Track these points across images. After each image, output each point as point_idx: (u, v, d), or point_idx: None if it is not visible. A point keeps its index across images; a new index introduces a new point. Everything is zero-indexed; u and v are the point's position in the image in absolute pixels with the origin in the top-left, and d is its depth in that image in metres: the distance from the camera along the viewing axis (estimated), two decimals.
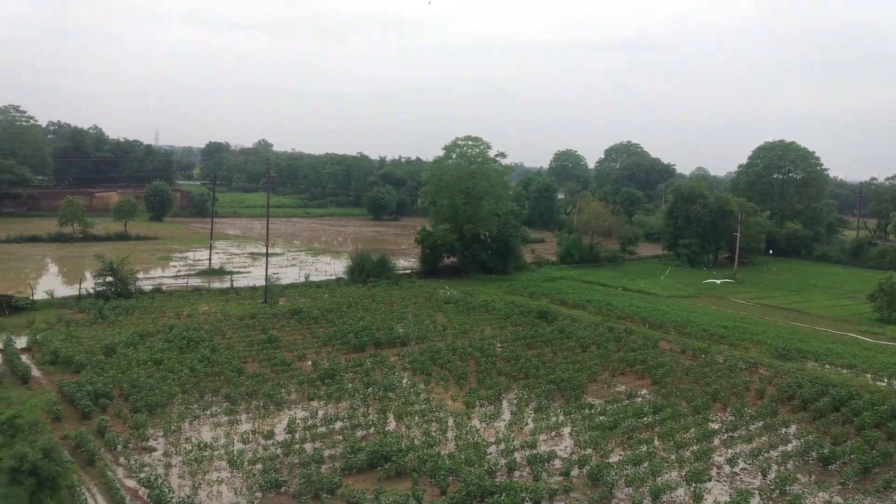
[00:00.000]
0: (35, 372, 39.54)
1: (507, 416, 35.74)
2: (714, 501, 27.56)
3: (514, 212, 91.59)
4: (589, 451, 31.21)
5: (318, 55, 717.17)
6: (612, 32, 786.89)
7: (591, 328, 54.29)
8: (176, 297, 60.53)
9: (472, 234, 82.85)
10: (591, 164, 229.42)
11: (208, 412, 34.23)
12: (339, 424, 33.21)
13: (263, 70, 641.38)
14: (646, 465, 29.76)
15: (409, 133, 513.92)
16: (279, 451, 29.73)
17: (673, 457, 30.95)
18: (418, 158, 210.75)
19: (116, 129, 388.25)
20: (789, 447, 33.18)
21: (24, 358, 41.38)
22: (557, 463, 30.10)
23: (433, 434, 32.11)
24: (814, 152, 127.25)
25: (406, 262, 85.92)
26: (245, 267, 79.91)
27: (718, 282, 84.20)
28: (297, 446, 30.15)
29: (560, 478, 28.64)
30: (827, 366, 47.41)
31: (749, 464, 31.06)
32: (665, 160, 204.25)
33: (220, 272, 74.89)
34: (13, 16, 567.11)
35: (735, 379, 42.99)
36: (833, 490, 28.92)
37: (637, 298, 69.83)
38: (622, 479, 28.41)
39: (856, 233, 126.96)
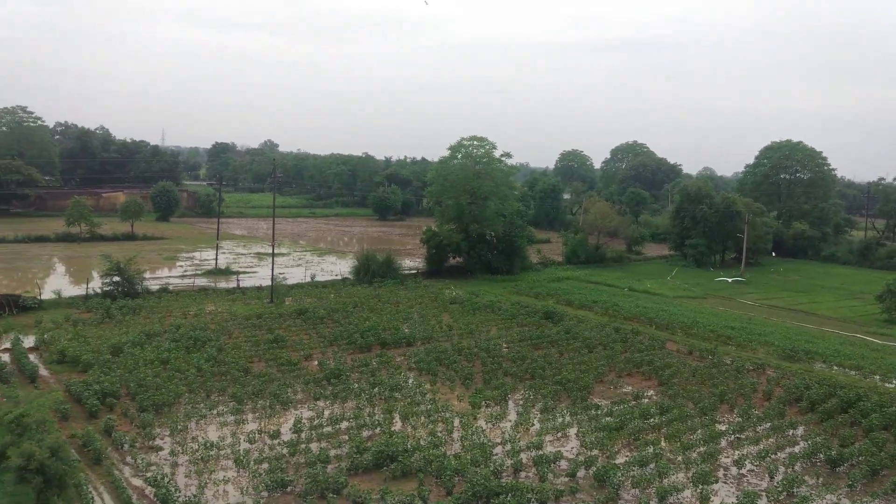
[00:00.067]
0: (43, 371, 39.67)
1: (512, 416, 35.68)
2: (721, 503, 27.47)
3: (520, 212, 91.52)
4: (595, 452, 31.14)
5: (318, 55, 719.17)
6: (612, 32, 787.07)
7: (598, 329, 54.19)
8: (182, 297, 60.66)
9: (477, 235, 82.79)
10: (597, 165, 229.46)
11: (215, 412, 34.27)
12: (344, 424, 33.22)
13: (268, 71, 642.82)
14: (652, 466, 29.67)
15: (409, 133, 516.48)
16: (285, 450, 29.74)
17: (680, 458, 30.84)
18: (423, 158, 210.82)
19: (123, 130, 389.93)
20: (797, 449, 33.04)
21: (31, 357, 41.51)
22: (563, 464, 30.04)
23: (439, 434, 32.08)
24: (821, 152, 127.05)
25: (411, 263, 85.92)
26: (251, 267, 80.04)
27: (730, 280, 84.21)
28: (303, 446, 30.16)
29: (566, 479, 28.58)
30: (835, 367, 47.23)
31: (756, 465, 30.93)
32: (669, 160, 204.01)
33: (226, 272, 75.05)
34: (17, 16, 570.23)
35: (742, 380, 42.84)
36: (841, 492, 28.77)
37: (643, 299, 69.69)
38: (629, 480, 28.33)
39: (864, 233, 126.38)
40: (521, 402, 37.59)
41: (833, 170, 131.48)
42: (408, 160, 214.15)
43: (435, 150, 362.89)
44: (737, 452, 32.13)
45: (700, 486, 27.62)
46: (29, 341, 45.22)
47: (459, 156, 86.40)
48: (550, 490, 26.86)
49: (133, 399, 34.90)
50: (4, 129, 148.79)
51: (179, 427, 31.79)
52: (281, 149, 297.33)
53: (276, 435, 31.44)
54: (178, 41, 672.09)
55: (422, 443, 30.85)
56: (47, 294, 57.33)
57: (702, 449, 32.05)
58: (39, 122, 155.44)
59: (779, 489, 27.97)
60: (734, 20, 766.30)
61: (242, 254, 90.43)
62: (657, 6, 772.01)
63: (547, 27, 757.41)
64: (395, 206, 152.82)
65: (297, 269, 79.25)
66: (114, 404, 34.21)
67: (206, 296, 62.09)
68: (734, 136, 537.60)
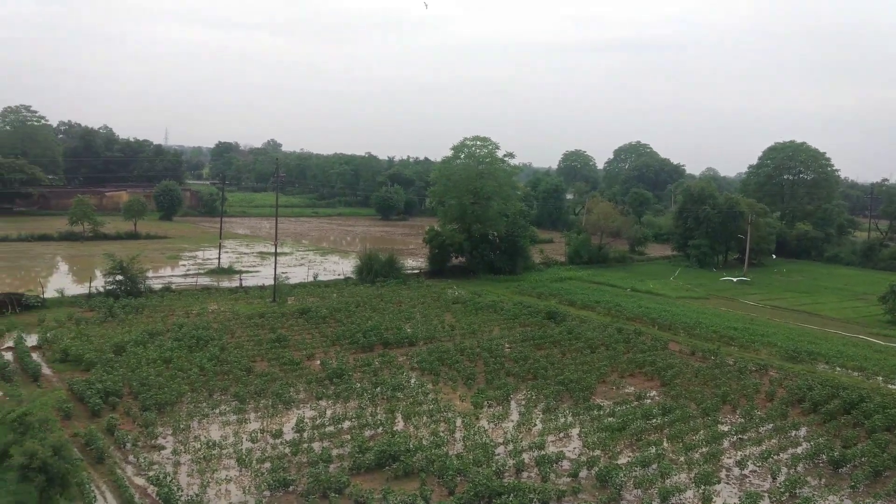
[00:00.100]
0: (45, 370, 39.73)
1: (515, 416, 35.67)
2: None
3: (523, 212, 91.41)
4: (597, 452, 31.12)
5: (318, 55, 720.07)
6: (612, 32, 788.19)
7: (600, 329, 54.15)
8: (185, 296, 60.72)
9: (480, 235, 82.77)
10: (600, 165, 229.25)
11: (217, 411, 34.30)
12: (347, 424, 33.22)
13: (270, 71, 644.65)
14: (655, 466, 29.64)
15: (409, 133, 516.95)
16: (287, 450, 29.75)
17: (682, 459, 30.81)
18: (426, 158, 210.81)
19: (126, 130, 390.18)
20: (799, 450, 32.99)
21: (34, 356, 41.59)
22: (566, 464, 30.02)
23: (441, 434, 32.08)
24: (824, 153, 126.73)
25: (414, 262, 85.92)
26: (254, 266, 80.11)
27: (735, 280, 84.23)
28: (305, 445, 30.18)
29: (568, 479, 28.56)
30: (838, 368, 47.15)
31: (759, 466, 30.89)
32: (672, 161, 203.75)
33: (229, 271, 75.10)
34: (20, 16, 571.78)
35: (745, 381, 42.78)
36: (843, 493, 28.74)
37: (646, 299, 69.63)
38: (631, 480, 28.31)
39: (867, 234, 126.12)
40: (523, 403, 37.58)
41: (836, 170, 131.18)
42: (411, 160, 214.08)
43: (435, 150, 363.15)
44: (739, 453, 32.08)
45: (702, 487, 27.58)
46: (32, 340, 45.32)
47: (462, 156, 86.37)
48: (553, 490, 26.85)
49: (135, 398, 34.94)
50: (8, 128, 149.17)
51: (182, 426, 31.82)
52: (284, 148, 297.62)
53: (278, 434, 31.46)
54: (181, 41, 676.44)
55: (424, 442, 30.85)
56: (50, 293, 57.41)
57: (704, 450, 32.02)
58: (43, 121, 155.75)
59: (781, 490, 27.93)
60: (734, 20, 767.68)
61: (245, 253, 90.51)
62: (657, 6, 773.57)
63: (547, 27, 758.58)
64: (397, 206, 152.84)
65: (299, 268, 79.29)
66: (116, 403, 34.25)
67: (209, 295, 62.16)
68: (734, 137, 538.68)
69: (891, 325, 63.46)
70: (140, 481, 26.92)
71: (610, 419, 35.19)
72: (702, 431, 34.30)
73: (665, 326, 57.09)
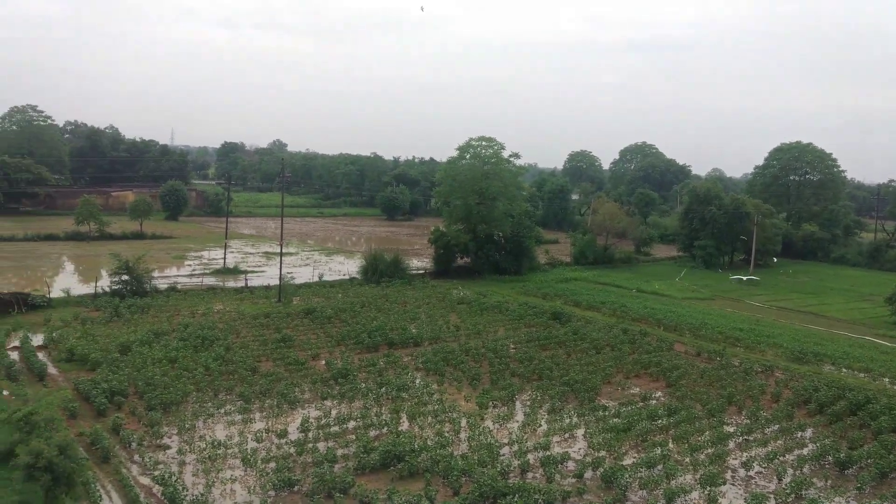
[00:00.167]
0: (51, 369, 39.86)
1: (520, 417, 35.64)
2: None
3: (528, 212, 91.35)
4: (603, 453, 31.07)
5: (318, 55, 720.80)
6: (612, 33, 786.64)
7: (606, 330, 54.06)
8: (191, 296, 60.82)
9: (485, 235, 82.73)
10: (606, 165, 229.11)
11: (222, 411, 34.35)
12: (352, 424, 33.23)
13: (271, 71, 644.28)
14: (660, 467, 29.59)
15: (409, 133, 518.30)
16: (292, 449, 29.78)
17: (687, 460, 30.74)
18: (432, 159, 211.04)
19: (132, 130, 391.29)
20: (805, 451, 32.89)
21: (40, 355, 41.74)
22: (571, 465, 29.98)
23: (446, 434, 32.06)
24: (830, 154, 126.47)
25: (419, 263, 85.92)
26: (259, 266, 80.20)
27: (745, 278, 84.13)
28: (310, 445, 30.20)
29: (573, 480, 28.52)
30: (844, 369, 47.00)
31: (764, 467, 30.79)
32: (678, 161, 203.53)
33: (234, 271, 75.23)
34: (26, 16, 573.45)
35: (751, 382, 42.67)
36: (849, 495, 28.64)
37: (652, 300, 69.50)
38: (636, 481, 28.26)
39: (873, 235, 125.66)
40: (528, 403, 37.53)
41: (843, 171, 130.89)
42: (416, 160, 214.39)
43: (435, 150, 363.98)
44: (745, 454, 31.98)
45: (708, 488, 27.52)
46: (37, 339, 45.45)
47: (468, 156, 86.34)
48: (558, 491, 26.81)
49: (141, 398, 35.01)
50: (15, 127, 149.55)
51: (187, 426, 31.88)
52: (290, 148, 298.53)
53: (283, 434, 31.48)
54: (181, 41, 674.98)
55: (429, 443, 30.84)
56: (56, 292, 57.54)
57: (710, 451, 31.94)
58: (49, 121, 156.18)
59: (787, 491, 27.85)
60: (734, 20, 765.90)
61: (251, 253, 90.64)
62: (657, 6, 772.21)
63: (547, 27, 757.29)
64: (403, 207, 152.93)
65: (305, 268, 79.39)
66: (122, 403, 34.33)
67: (215, 295, 62.26)
68: (734, 137, 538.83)
69: None
70: (145, 481, 26.98)
71: (615, 420, 35.13)
72: (707, 432, 34.20)
73: (670, 327, 56.98)
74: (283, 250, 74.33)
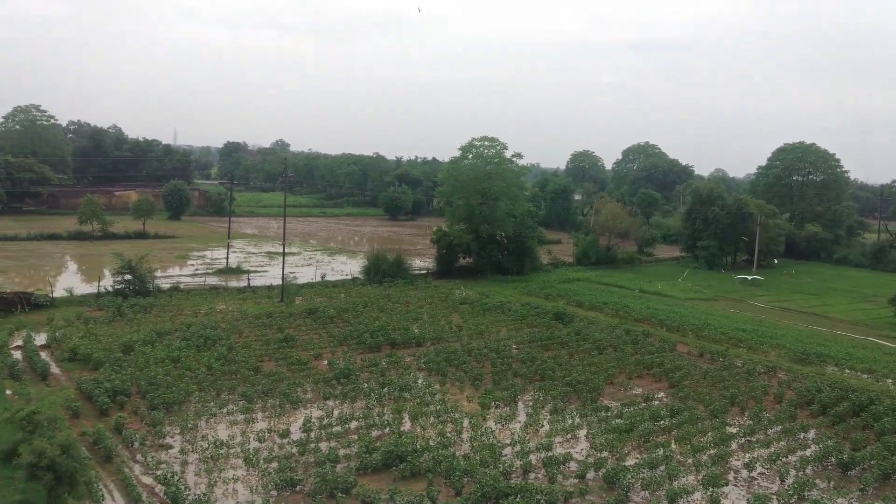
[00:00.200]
0: (54, 369, 39.90)
1: (522, 417, 35.62)
2: None
3: (531, 212, 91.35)
4: (605, 453, 31.04)
5: (318, 55, 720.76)
6: (611, 33, 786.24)
7: (608, 330, 54.03)
8: (193, 296, 60.88)
9: (488, 235, 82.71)
10: (609, 165, 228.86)
11: (225, 410, 34.36)
12: (354, 424, 33.24)
13: (271, 71, 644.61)
14: (662, 468, 29.55)
15: (410, 133, 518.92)
16: (295, 449, 29.79)
17: (690, 461, 30.71)
18: (434, 159, 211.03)
19: (135, 129, 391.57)
20: (808, 452, 32.84)
21: (43, 355, 41.77)
22: (573, 465, 29.95)
23: (448, 435, 32.06)
24: (834, 154, 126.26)
25: (422, 263, 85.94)
26: (262, 266, 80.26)
27: (749, 278, 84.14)
28: (312, 445, 30.20)
29: (575, 480, 28.50)
30: (847, 370, 46.92)
31: (767, 469, 30.75)
32: (681, 161, 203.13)
33: (237, 271, 75.29)
34: (27, 16, 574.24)
35: (753, 383, 42.61)
36: (852, 496, 28.59)
37: (654, 301, 69.45)
38: (638, 482, 28.23)
39: (877, 236, 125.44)
40: (530, 404, 37.51)
41: (846, 172, 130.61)
42: (418, 160, 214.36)
43: (437, 150, 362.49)
44: (747, 455, 31.94)
45: (710, 489, 27.49)
46: (40, 339, 45.52)
47: (470, 156, 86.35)
48: (560, 491, 26.78)
49: (143, 397, 35.04)
50: (18, 127, 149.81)
51: (189, 425, 31.90)
52: (292, 148, 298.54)
53: (285, 434, 31.49)
54: (185, 41, 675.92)
55: (431, 443, 30.83)
56: (59, 292, 57.67)
57: (712, 451, 31.91)
58: (52, 120, 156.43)
59: (790, 492, 27.80)
60: (734, 20, 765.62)
61: (253, 253, 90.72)
62: (657, 6, 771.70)
63: (547, 27, 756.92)
64: (405, 206, 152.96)
65: (307, 268, 79.44)
66: (124, 402, 34.35)
67: (217, 294, 62.31)
68: (735, 137, 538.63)
69: None
70: (148, 480, 27.00)
71: (618, 420, 35.10)
72: (710, 433, 34.17)
73: (673, 328, 56.92)
74: (286, 250, 74.38)
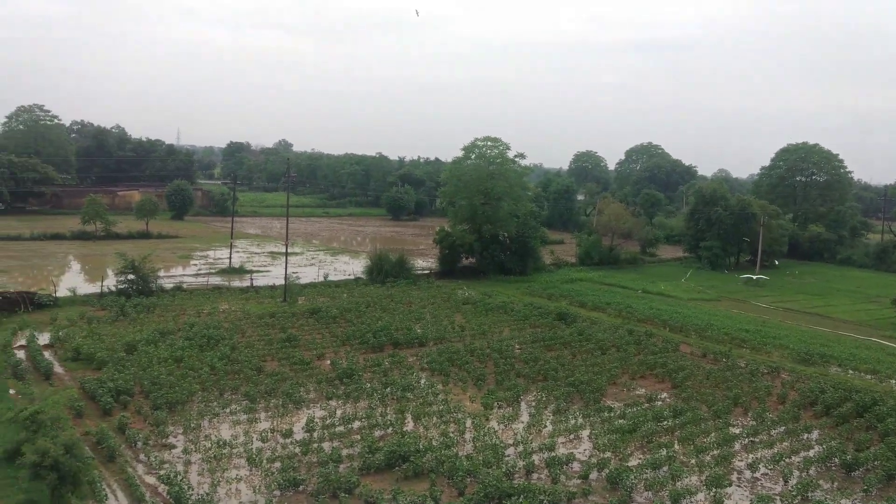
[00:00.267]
0: (57, 368, 39.96)
1: (525, 417, 35.60)
2: None
3: (534, 213, 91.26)
4: (608, 454, 31.01)
5: (318, 55, 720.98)
6: (611, 33, 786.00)
7: (611, 331, 53.99)
8: (196, 296, 60.93)
9: (490, 235, 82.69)
10: (611, 166, 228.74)
11: (228, 410, 34.39)
12: (357, 424, 33.24)
13: (271, 70, 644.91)
14: (665, 469, 29.52)
15: (410, 133, 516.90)
16: (297, 449, 29.79)
17: (693, 461, 30.68)
18: (437, 159, 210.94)
19: (138, 129, 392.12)
20: (811, 453, 32.77)
21: (46, 354, 41.84)
22: (576, 466, 29.92)
23: (451, 435, 32.05)
24: (837, 154, 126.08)
25: (424, 263, 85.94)
26: (265, 266, 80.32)
27: (754, 277, 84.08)
28: (315, 445, 30.21)
29: (578, 481, 28.48)
30: (850, 371, 46.84)
31: (770, 469, 30.71)
32: (684, 162, 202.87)
33: (240, 271, 75.33)
34: (27, 16, 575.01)
35: (756, 383, 42.55)
36: (856, 497, 28.54)
37: (657, 301, 69.38)
38: (641, 482, 28.19)
39: (880, 236, 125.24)
40: (533, 404, 37.49)
41: (849, 172, 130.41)
42: (421, 160, 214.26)
43: (437, 150, 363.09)
44: (751, 456, 31.89)
45: (713, 490, 27.45)
46: (44, 338, 45.58)
47: (473, 156, 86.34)
48: (563, 492, 26.77)
49: (147, 397, 35.07)
50: (22, 127, 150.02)
51: (192, 425, 31.92)
52: (295, 148, 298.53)
53: (288, 434, 31.51)
54: (185, 41, 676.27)
55: (434, 443, 30.83)
56: (62, 291, 57.75)
57: (715, 452, 31.87)
58: (56, 120, 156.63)
59: (793, 493, 27.77)
60: (734, 20, 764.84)
61: (256, 253, 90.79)
62: (657, 6, 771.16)
63: (547, 27, 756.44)
64: (408, 207, 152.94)
65: (310, 268, 79.46)
66: (128, 402, 34.38)
67: (220, 294, 62.37)
68: (735, 137, 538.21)
69: None
70: (151, 480, 27.02)
71: (621, 421, 35.07)
72: (713, 434, 34.14)
73: (676, 328, 56.86)
74: (289, 250, 74.38)
